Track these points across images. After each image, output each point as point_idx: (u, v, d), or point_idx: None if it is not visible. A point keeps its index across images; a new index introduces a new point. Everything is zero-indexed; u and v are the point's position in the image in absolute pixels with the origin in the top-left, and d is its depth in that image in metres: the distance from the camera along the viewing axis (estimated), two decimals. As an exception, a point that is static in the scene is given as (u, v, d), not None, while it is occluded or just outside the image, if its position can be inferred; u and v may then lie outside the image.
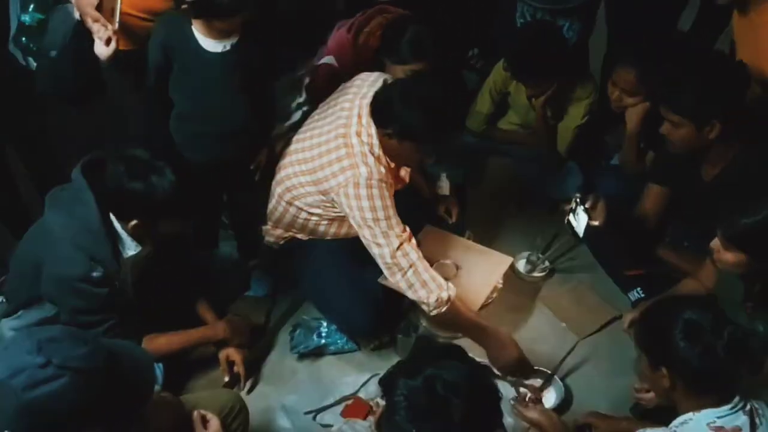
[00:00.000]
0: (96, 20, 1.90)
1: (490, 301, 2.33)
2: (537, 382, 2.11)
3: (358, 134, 2.00)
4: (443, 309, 1.99)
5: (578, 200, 2.19)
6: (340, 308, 2.16)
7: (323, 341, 2.21)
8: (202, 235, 2.42)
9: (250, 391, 2.11)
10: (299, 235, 2.23)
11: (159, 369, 1.97)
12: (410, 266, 1.97)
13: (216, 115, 2.08)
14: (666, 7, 2.61)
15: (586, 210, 2.17)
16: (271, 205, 2.22)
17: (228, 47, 1.99)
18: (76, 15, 1.97)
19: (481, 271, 2.27)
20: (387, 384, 1.27)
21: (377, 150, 1.99)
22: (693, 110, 1.93)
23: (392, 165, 2.04)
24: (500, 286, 2.35)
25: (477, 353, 2.04)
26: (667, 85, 2.00)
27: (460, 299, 2.16)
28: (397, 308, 2.26)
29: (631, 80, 2.32)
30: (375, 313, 2.15)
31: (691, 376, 1.47)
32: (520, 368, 2.08)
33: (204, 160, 2.16)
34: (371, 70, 2.31)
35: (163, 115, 2.14)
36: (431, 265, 2.12)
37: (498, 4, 2.84)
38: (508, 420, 1.93)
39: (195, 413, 1.72)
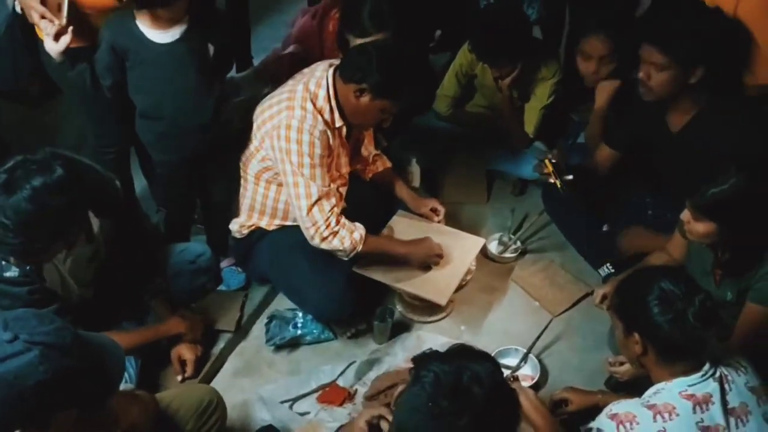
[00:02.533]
0: (42, 15, 1.84)
1: (465, 283, 2.34)
2: (513, 361, 2.14)
3: (305, 85, 2.03)
4: (359, 248, 2.06)
5: (550, 159, 2.25)
6: (311, 297, 2.15)
7: (299, 332, 2.19)
8: (174, 231, 2.39)
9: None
10: (262, 223, 2.21)
11: (132, 366, 1.94)
12: (325, 221, 2.02)
13: (179, 110, 2.05)
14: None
15: (555, 167, 2.23)
16: (241, 190, 2.22)
17: (177, 36, 1.96)
18: (11, 3, 1.90)
19: (455, 254, 2.28)
20: (420, 360, 1.31)
21: (322, 102, 2.02)
22: (684, 51, 1.94)
23: (337, 124, 2.06)
24: (474, 268, 2.36)
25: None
26: (658, 24, 2.01)
27: (435, 283, 2.19)
28: (371, 294, 2.26)
29: (602, 47, 2.33)
30: (348, 299, 2.15)
31: (662, 342, 1.49)
32: (437, 254, 2.20)
33: (175, 159, 2.13)
34: (337, 55, 2.31)
35: (126, 117, 2.10)
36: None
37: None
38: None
39: (172, 354, 1.93)
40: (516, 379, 2.04)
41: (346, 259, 2.11)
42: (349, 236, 2.06)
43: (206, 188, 2.33)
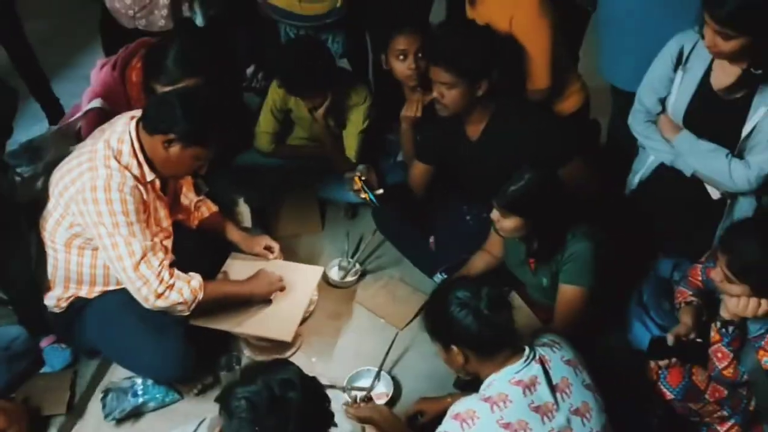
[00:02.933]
0: None
1: (308, 314, 2.34)
2: (368, 381, 2.16)
3: (106, 143, 1.95)
4: (200, 297, 2.00)
5: (359, 176, 2.33)
6: (148, 360, 2.04)
7: (140, 399, 2.06)
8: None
9: None
10: (82, 292, 2.08)
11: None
12: (157, 276, 1.93)
13: None
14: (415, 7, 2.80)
15: (366, 183, 2.31)
16: (48, 262, 2.05)
17: None
18: None
19: (296, 287, 2.28)
20: (224, 396, 1.29)
21: (128, 158, 1.94)
22: (467, 68, 2.11)
23: (149, 178, 1.98)
24: (316, 297, 2.37)
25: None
26: (441, 47, 2.15)
27: (278, 321, 2.16)
28: (213, 343, 2.18)
29: (411, 40, 2.40)
30: (187, 355, 2.06)
31: (475, 341, 1.60)
32: (278, 281, 2.19)
33: None
34: (143, 105, 2.23)
35: None
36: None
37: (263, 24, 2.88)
38: (346, 426, 1.95)
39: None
40: (370, 399, 2.06)
41: (187, 313, 2.02)
42: (187, 286, 1.97)
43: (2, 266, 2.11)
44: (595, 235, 2.03)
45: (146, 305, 1.94)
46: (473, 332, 1.58)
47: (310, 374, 2.09)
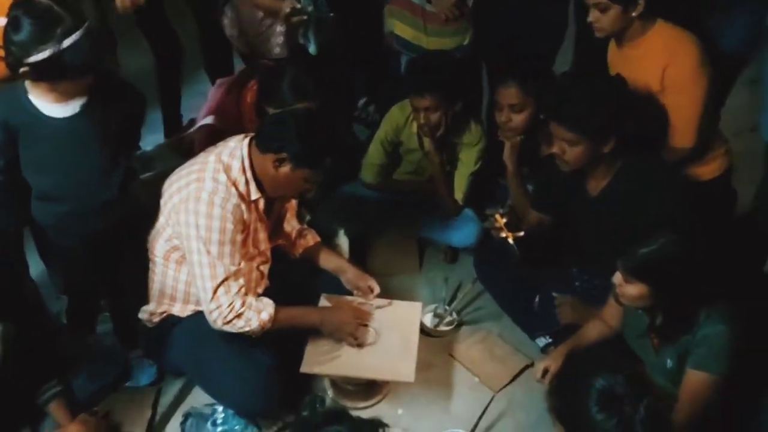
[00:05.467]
0: None
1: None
2: (455, 444, 1.99)
3: (218, 156, 1.92)
4: (268, 327, 1.92)
5: (501, 214, 2.16)
6: (232, 390, 1.96)
7: (218, 429, 1.98)
8: (76, 320, 2.16)
9: None
10: (174, 309, 2.04)
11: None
12: (229, 305, 1.87)
13: (82, 187, 1.89)
14: (544, 44, 2.66)
15: (506, 224, 2.14)
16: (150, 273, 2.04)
17: (77, 109, 1.82)
18: None
19: (398, 325, 2.14)
20: None
21: (237, 174, 1.90)
22: (592, 127, 1.94)
23: (253, 197, 1.93)
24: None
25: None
26: (562, 103, 2.00)
27: (392, 362, 2.03)
28: (298, 382, 2.08)
29: (513, 94, 2.32)
30: (273, 390, 1.97)
31: None
32: (354, 326, 2.04)
33: (77, 241, 1.94)
34: (254, 128, 2.22)
35: (22, 200, 1.91)
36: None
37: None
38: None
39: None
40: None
41: (255, 335, 1.94)
42: (257, 317, 1.89)
43: (112, 273, 2.12)
44: (736, 318, 1.78)
45: (214, 326, 1.90)
46: None
47: (394, 427, 2.01)
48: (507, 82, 2.34)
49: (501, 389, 2.21)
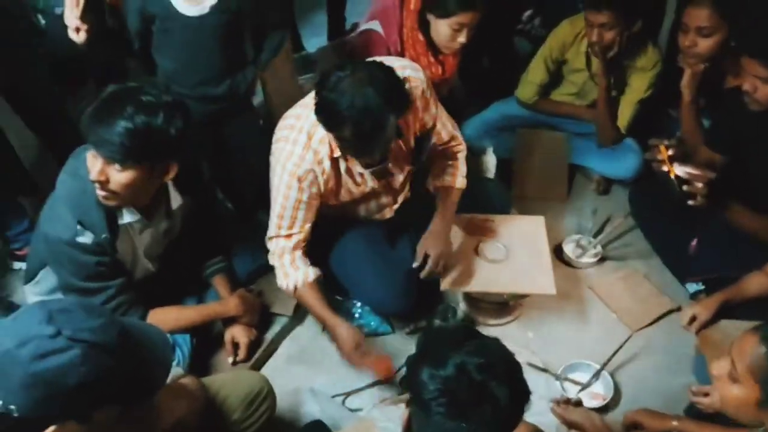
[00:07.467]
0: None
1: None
2: (584, 376, 1.97)
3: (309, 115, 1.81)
4: (292, 295, 1.95)
5: (666, 146, 1.84)
6: (370, 289, 2.04)
7: (356, 323, 2.10)
8: (243, 209, 2.35)
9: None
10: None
11: (186, 345, 1.90)
12: (279, 255, 1.92)
13: (195, 78, 2.09)
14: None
15: (671, 157, 1.84)
16: None
17: (206, 10, 1.98)
18: None
19: (527, 242, 2.12)
20: (412, 383, 1.10)
21: (321, 147, 1.80)
22: None
23: (336, 154, 1.82)
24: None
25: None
26: (759, 38, 1.80)
27: (530, 276, 2.03)
28: (434, 290, 2.13)
29: (704, 15, 2.08)
30: (409, 293, 2.04)
31: None
32: (347, 356, 1.92)
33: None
34: (416, 36, 2.22)
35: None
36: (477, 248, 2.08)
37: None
38: (549, 417, 1.80)
39: (226, 336, 1.92)
40: (580, 402, 1.85)
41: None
42: (284, 280, 1.92)
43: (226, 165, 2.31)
44: None
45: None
46: None
47: (523, 349, 2.03)
48: (699, 2, 2.09)
49: (640, 329, 2.13)
